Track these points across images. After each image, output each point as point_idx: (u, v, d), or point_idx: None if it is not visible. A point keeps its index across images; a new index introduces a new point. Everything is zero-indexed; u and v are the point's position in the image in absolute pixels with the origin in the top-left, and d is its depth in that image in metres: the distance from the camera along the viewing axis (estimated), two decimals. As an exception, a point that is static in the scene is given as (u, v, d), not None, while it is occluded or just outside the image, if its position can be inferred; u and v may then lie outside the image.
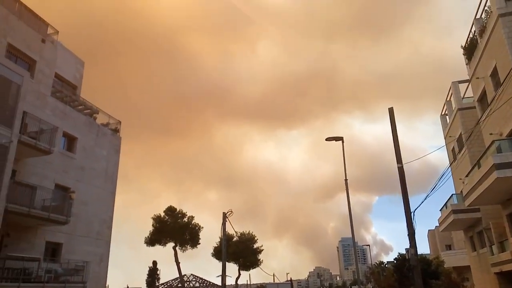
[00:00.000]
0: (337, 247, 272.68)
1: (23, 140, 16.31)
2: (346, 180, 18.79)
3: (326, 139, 19.30)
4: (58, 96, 21.01)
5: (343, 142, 19.04)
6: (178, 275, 44.73)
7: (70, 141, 21.47)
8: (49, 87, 20.08)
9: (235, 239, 43.81)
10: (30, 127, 17.30)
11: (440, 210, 28.04)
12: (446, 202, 26.36)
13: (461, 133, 24.56)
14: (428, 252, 52.31)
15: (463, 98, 25.38)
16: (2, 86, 15.80)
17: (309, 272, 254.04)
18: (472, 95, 22.71)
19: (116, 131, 25.23)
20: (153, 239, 40.65)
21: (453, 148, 27.17)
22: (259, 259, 46.54)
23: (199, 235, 41.53)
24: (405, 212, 13.11)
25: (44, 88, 19.69)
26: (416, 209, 13.55)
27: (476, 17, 19.41)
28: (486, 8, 18.17)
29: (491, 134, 17.85)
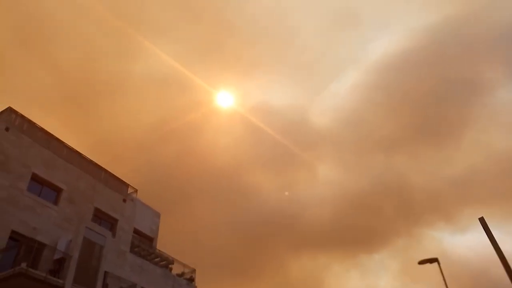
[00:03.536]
0: None
1: (104, 301, 16.45)
2: (453, 308, 15.95)
3: (419, 263, 17.24)
4: (136, 251, 21.75)
5: (439, 263, 16.84)
6: None
7: (148, 296, 21.24)
8: (128, 243, 21.00)
9: None
10: (110, 285, 17.62)
11: None
12: None
13: None
14: None
15: None
16: (87, 249, 16.80)
17: None
18: None
19: (191, 280, 24.83)
20: None
21: None
22: None
23: None
24: None
25: (124, 245, 20.60)
26: None
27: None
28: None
29: None
